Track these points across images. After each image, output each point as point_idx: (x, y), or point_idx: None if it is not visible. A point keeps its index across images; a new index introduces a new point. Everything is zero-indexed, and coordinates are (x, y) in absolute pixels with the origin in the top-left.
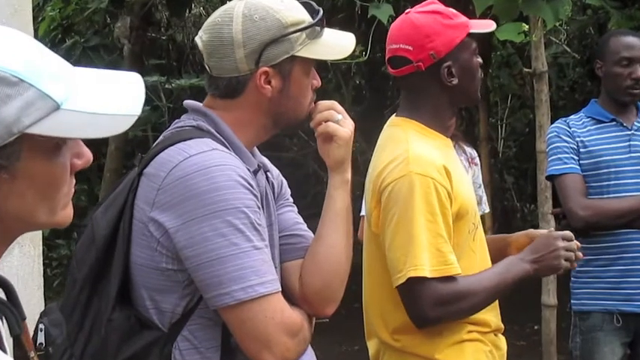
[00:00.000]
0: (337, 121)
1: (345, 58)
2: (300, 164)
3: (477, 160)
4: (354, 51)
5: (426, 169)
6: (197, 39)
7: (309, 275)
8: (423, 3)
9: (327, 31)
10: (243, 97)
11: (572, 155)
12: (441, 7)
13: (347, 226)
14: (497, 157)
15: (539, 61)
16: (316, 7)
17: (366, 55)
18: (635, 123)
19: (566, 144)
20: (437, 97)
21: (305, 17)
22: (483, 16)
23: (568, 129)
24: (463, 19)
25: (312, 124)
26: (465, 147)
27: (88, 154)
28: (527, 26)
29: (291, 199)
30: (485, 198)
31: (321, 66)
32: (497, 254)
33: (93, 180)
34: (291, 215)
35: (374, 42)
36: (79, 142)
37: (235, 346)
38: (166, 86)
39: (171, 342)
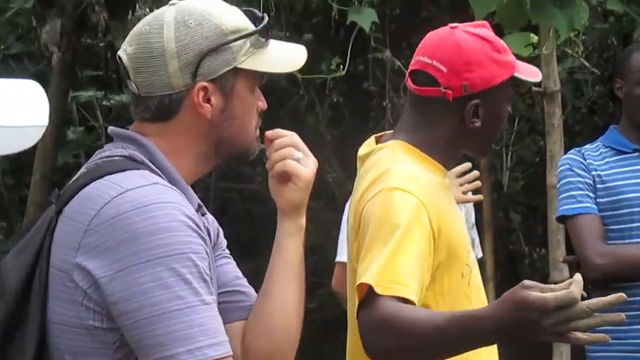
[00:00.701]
0: (298, 159)
1: (320, 72)
2: (265, 198)
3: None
4: (331, 64)
5: (409, 184)
6: (120, 52)
7: (255, 339)
8: (473, 23)
9: (273, 42)
10: (178, 119)
11: (587, 192)
12: (492, 35)
13: (300, 280)
14: (502, 192)
15: (550, 78)
16: (259, 14)
17: (344, 69)
18: None
19: (580, 179)
20: (451, 132)
21: (248, 24)
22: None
23: (583, 161)
24: (511, 57)
25: (268, 164)
26: None
27: None
28: (536, 37)
29: (227, 250)
30: (478, 241)
31: (291, 80)
32: None
33: (13, 215)
34: (231, 268)
35: (354, 53)
36: None
37: None
38: (104, 103)
39: None
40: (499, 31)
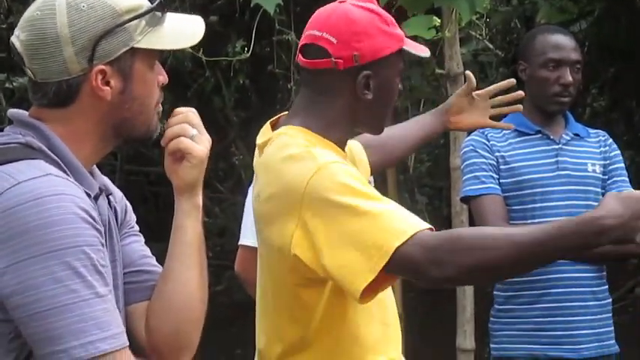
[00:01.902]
0: (192, 136)
1: (225, 55)
2: (169, 181)
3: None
4: (236, 46)
5: (337, 159)
6: (13, 39)
7: (156, 320)
8: None
9: (170, 16)
10: (77, 103)
11: (491, 173)
12: (380, 10)
13: (200, 259)
14: (408, 173)
15: (453, 61)
16: None
17: (249, 51)
18: (564, 136)
19: (484, 160)
20: (343, 105)
21: (142, 2)
22: (389, 7)
23: (486, 142)
24: (399, 30)
25: (162, 141)
26: None
27: None
28: (439, 20)
29: (136, 227)
30: None
31: (197, 62)
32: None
33: None
34: (137, 247)
35: (259, 35)
36: None
37: None
38: (6, 85)
39: None
40: (402, 14)
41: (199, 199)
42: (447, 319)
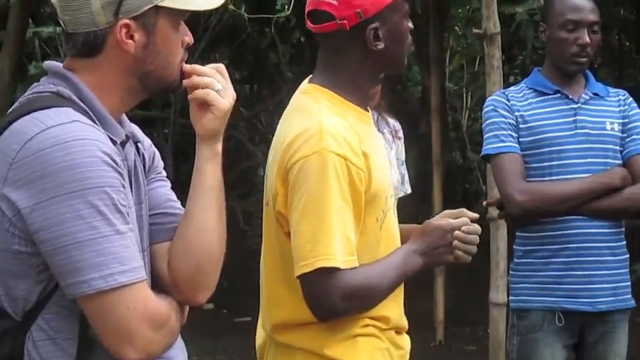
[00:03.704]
0: (218, 90)
1: (280, 11)
2: (227, 135)
3: (401, 133)
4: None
5: (342, 147)
6: None
7: (177, 259)
8: None
9: None
10: (104, 55)
11: (510, 132)
12: None
13: (219, 203)
14: (460, 131)
15: (490, 20)
16: None
17: (289, 9)
18: (583, 95)
19: (504, 119)
20: (359, 62)
21: None
22: None
23: (507, 102)
24: None
25: (186, 83)
26: (389, 119)
27: None
28: None
29: (164, 173)
30: (407, 176)
31: (256, 18)
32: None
33: None
34: (163, 191)
35: None
36: None
37: (94, 338)
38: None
39: (24, 332)
40: None
41: (219, 147)
42: (480, 275)
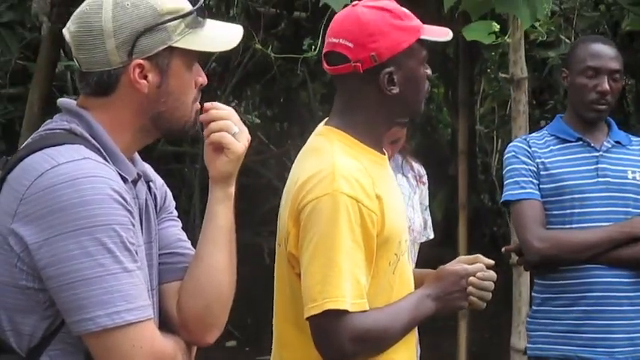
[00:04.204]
0: (234, 134)
1: (307, 51)
2: (256, 172)
3: (425, 179)
4: (302, 44)
5: (354, 189)
6: (65, 30)
7: (187, 299)
8: None
9: (210, 22)
10: (117, 94)
11: (531, 179)
12: (393, 4)
13: (230, 244)
14: (488, 174)
15: (517, 65)
16: None
17: (315, 49)
18: (605, 144)
19: (525, 166)
20: (373, 105)
21: (184, 5)
22: (451, 12)
23: (528, 149)
24: (416, 22)
25: (205, 132)
26: (414, 164)
27: None
28: (498, 26)
29: (175, 213)
30: (430, 222)
31: (285, 58)
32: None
33: None
34: (174, 231)
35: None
36: None
37: None
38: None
39: None
40: (465, 20)
41: (232, 189)
42: (502, 320)
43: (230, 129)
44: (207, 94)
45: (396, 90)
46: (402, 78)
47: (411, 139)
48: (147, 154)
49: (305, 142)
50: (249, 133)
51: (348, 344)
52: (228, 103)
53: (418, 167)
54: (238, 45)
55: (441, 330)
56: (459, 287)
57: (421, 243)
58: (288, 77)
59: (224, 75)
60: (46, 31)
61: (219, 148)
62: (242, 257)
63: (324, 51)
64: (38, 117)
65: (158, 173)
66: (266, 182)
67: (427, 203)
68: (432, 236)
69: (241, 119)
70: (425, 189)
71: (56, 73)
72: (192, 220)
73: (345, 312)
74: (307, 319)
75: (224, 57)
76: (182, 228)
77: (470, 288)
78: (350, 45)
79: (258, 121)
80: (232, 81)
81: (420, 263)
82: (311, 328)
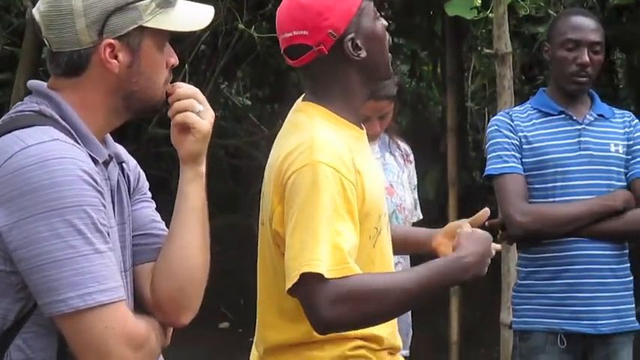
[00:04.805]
0: (198, 112)
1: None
2: (247, 154)
3: (412, 157)
4: None
5: (333, 159)
6: (34, 11)
7: (160, 280)
8: None
9: (181, 1)
10: (87, 74)
11: (513, 152)
12: None
13: (203, 225)
14: (479, 151)
15: (502, 40)
16: None
17: None
18: (588, 117)
19: (507, 139)
20: (346, 78)
21: None
22: None
23: (510, 122)
24: None
25: (169, 112)
26: (400, 143)
27: None
28: (479, 0)
29: (149, 194)
30: (418, 202)
31: (273, 39)
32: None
33: None
34: (147, 212)
35: None
36: None
37: (72, 358)
38: None
39: (1, 351)
40: None
41: (203, 168)
42: (494, 297)
43: (194, 107)
44: (196, 76)
45: (363, 53)
46: (363, 39)
47: (399, 117)
48: (137, 137)
49: None
50: (240, 115)
51: (327, 308)
52: (217, 85)
53: (405, 146)
54: (225, 26)
55: (432, 307)
56: (485, 252)
57: (413, 223)
58: (277, 58)
59: (212, 57)
60: (30, 16)
61: (186, 127)
62: (233, 239)
63: (282, 48)
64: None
65: (148, 156)
66: (258, 164)
67: (416, 183)
68: (421, 217)
69: (232, 101)
70: (412, 168)
71: (42, 58)
72: None
73: (320, 277)
74: (290, 292)
75: (212, 39)
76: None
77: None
78: (305, 33)
79: (249, 102)
80: (221, 63)
81: None
82: (300, 300)
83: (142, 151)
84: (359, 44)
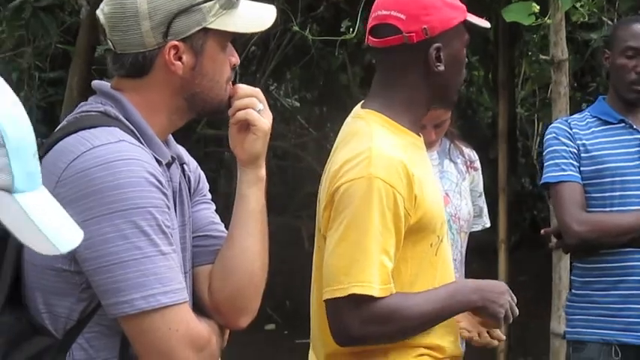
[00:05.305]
0: (259, 111)
1: (345, 33)
2: (296, 156)
3: (478, 164)
4: (341, 26)
5: (390, 174)
6: (98, 12)
7: (218, 282)
8: None
9: (244, 2)
10: (152, 75)
11: (571, 161)
12: None
13: (262, 228)
14: (529, 157)
15: (558, 47)
16: None
17: (354, 32)
18: None
19: (565, 147)
20: (417, 81)
21: None
22: None
23: (569, 130)
24: (461, 4)
25: (230, 111)
26: (464, 148)
27: None
28: (537, 7)
29: (209, 195)
30: (486, 210)
31: (324, 41)
32: None
33: None
34: (207, 214)
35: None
36: None
37: (134, 359)
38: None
39: (64, 350)
40: (506, 1)
41: (263, 171)
42: (541, 305)
43: (255, 105)
44: (246, 77)
45: (441, 67)
46: (447, 56)
47: (456, 122)
48: (186, 137)
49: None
50: (289, 117)
51: (357, 327)
52: (267, 87)
53: (469, 152)
54: (277, 28)
55: None
56: (501, 292)
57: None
58: (327, 60)
59: (263, 58)
60: (85, 15)
61: (245, 127)
62: (281, 241)
63: (370, 24)
64: (78, 101)
65: (197, 156)
66: (305, 166)
67: (481, 189)
68: (488, 224)
69: (281, 103)
70: (477, 175)
71: (95, 57)
72: (232, 203)
73: (370, 297)
74: (326, 300)
75: (263, 40)
76: (221, 211)
77: (509, 300)
78: (402, 17)
79: (297, 104)
80: (271, 64)
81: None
82: (327, 308)
83: (191, 152)
84: (441, 57)
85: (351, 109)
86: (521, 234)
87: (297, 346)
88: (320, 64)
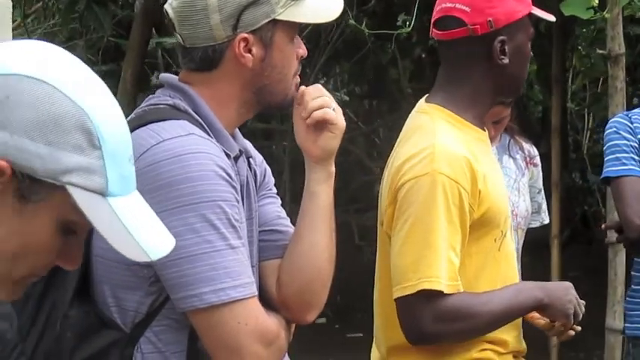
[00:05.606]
0: (334, 109)
1: (401, 27)
2: (345, 150)
3: (538, 160)
4: (397, 20)
5: (454, 170)
6: (166, 6)
7: (286, 277)
8: None
9: None
10: (221, 68)
11: (632, 155)
12: None
13: (330, 223)
14: (579, 152)
15: (615, 41)
16: None
17: (409, 25)
18: None
19: (626, 142)
20: (481, 74)
21: None
22: None
23: (629, 124)
24: None
25: (305, 112)
26: (524, 144)
27: None
28: (597, 0)
29: (274, 190)
30: (545, 206)
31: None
32: None
33: None
34: (273, 208)
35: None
36: None
37: (203, 352)
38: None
39: (132, 344)
40: None
41: (333, 168)
42: (595, 300)
43: (330, 105)
44: None
45: (506, 60)
46: (512, 49)
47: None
48: None
49: (393, 120)
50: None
51: (430, 324)
52: (316, 81)
53: (529, 147)
54: (329, 22)
55: None
56: (567, 289)
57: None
58: (377, 54)
59: (314, 53)
60: (138, 9)
61: (319, 125)
62: None
63: (434, 17)
64: (131, 94)
65: None
66: (354, 160)
67: (540, 186)
68: (546, 221)
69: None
70: (537, 171)
71: (148, 51)
72: (282, 197)
73: (439, 293)
74: (396, 299)
75: (314, 34)
76: None
77: (575, 296)
78: (467, 9)
79: (347, 98)
80: (322, 58)
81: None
82: (398, 307)
83: None
84: (506, 50)
85: (401, 104)
86: (572, 229)
87: (349, 340)
88: (369, 58)
